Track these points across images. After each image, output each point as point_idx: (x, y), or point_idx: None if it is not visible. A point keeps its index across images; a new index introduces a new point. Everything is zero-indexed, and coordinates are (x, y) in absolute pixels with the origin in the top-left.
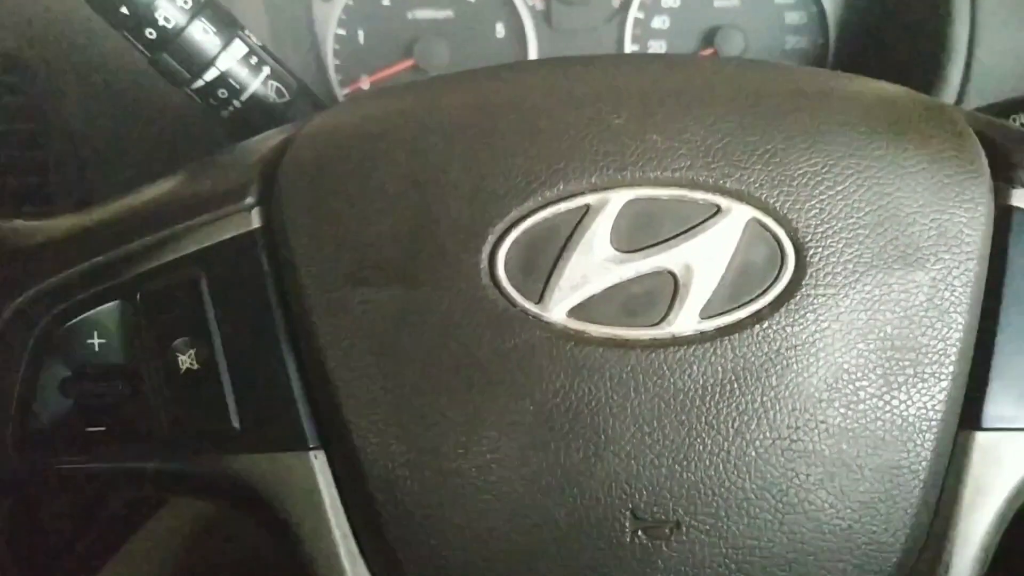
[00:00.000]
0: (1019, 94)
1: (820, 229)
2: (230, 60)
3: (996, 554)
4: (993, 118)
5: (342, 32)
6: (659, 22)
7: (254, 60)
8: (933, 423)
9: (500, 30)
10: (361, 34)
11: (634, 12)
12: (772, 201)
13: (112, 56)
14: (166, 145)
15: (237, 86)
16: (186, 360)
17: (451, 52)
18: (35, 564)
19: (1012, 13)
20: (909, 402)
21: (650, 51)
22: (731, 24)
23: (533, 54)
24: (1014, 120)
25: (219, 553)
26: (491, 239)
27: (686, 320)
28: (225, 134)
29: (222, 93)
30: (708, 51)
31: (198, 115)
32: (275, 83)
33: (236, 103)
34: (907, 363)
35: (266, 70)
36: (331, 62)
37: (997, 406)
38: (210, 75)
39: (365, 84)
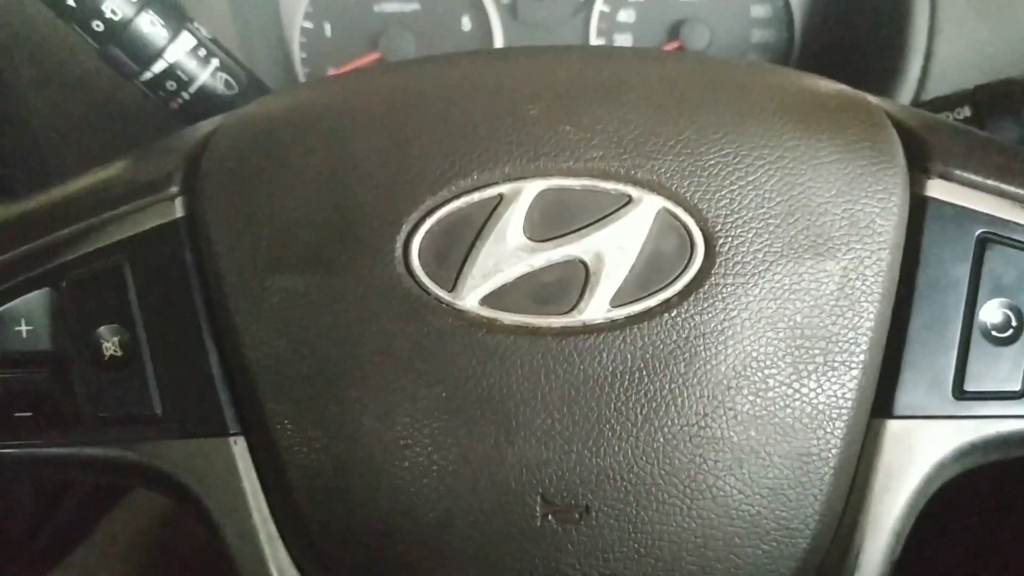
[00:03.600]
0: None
1: (730, 219)
2: (178, 52)
3: (907, 542)
4: (915, 109)
5: (308, 25)
6: (625, 15)
7: (203, 52)
8: (843, 411)
9: (466, 23)
10: (328, 27)
11: (600, 6)
12: (682, 191)
13: (71, 48)
14: (126, 136)
15: (185, 78)
16: (110, 347)
17: (417, 45)
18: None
19: (971, 6)
20: (819, 390)
21: (616, 44)
22: (696, 17)
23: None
24: (958, 113)
25: (184, 541)
26: (406, 228)
27: (597, 308)
28: (178, 125)
29: (171, 85)
30: (674, 44)
31: (154, 104)
32: (224, 75)
33: (185, 95)
34: (817, 352)
35: (215, 62)
36: (297, 55)
37: (909, 395)
38: (158, 67)
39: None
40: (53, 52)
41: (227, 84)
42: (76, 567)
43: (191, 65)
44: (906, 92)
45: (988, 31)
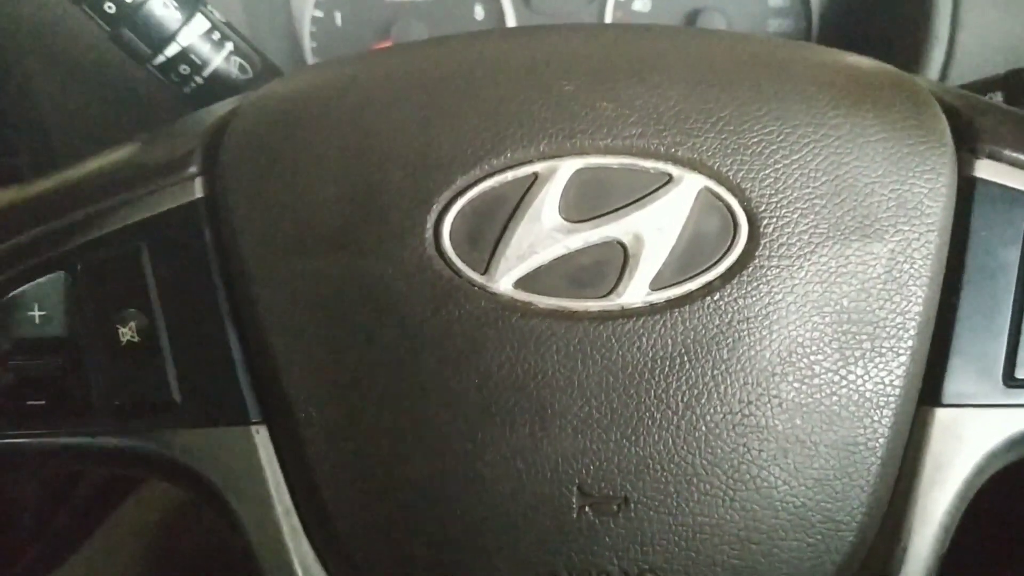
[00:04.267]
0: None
1: (774, 199)
2: (191, 35)
3: (956, 534)
4: (961, 90)
5: (319, 14)
6: (640, 4)
7: (216, 36)
8: (891, 399)
9: (479, 11)
10: (338, 16)
11: None
12: (725, 170)
13: (80, 31)
14: (135, 120)
15: (199, 62)
16: (127, 332)
17: (429, 33)
18: (6, 547)
19: None
20: (866, 377)
21: None
22: (713, 6)
23: None
24: (990, 98)
25: (193, 535)
26: (436, 208)
27: (635, 292)
28: (189, 111)
29: (184, 69)
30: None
31: (166, 90)
32: (238, 59)
33: (198, 79)
34: (864, 337)
35: (229, 46)
36: (308, 44)
37: (957, 382)
38: (171, 51)
39: None
40: (61, 37)
41: (241, 68)
42: (84, 562)
43: (205, 49)
44: (929, 77)
45: (1011, 20)
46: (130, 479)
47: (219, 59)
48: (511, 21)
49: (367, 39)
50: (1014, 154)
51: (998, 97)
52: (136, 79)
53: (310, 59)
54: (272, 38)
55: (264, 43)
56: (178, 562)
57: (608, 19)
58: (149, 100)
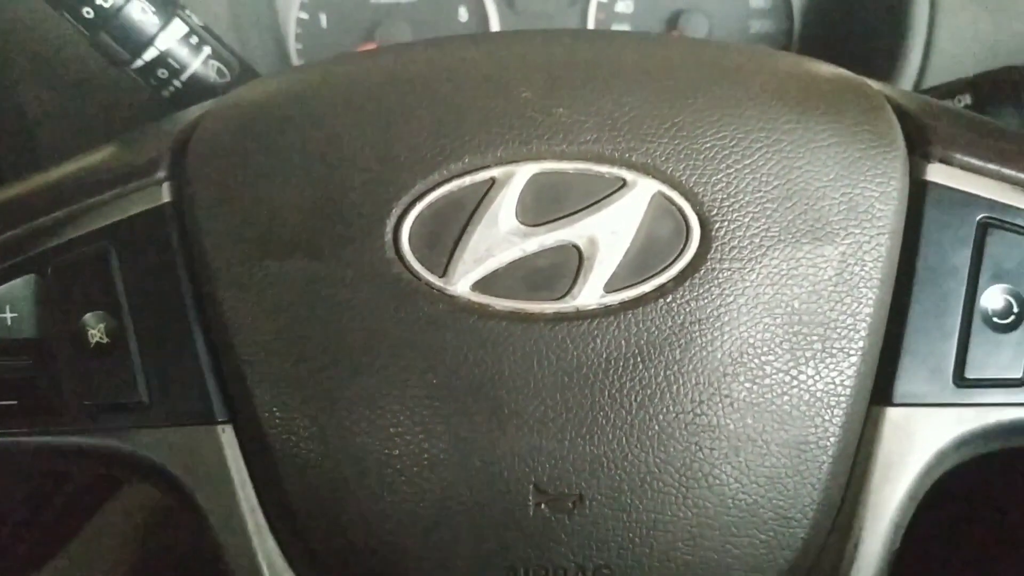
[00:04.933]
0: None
1: (726, 203)
2: (169, 40)
3: (908, 532)
4: (916, 94)
5: (304, 16)
6: (623, 5)
7: (194, 40)
8: (842, 398)
9: (463, 14)
10: (323, 18)
11: None
12: (678, 175)
13: (62, 33)
14: (119, 124)
15: (177, 66)
16: (96, 334)
17: (414, 36)
18: None
19: None
20: (817, 377)
21: None
22: (695, 8)
23: None
24: (958, 100)
25: (178, 533)
26: (396, 212)
27: (590, 294)
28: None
29: (162, 73)
30: (673, 32)
31: (149, 94)
32: (216, 63)
33: (176, 83)
34: (815, 338)
35: (207, 50)
36: (293, 46)
37: (908, 382)
38: (149, 55)
39: None
40: (45, 41)
41: (219, 72)
42: (68, 562)
43: (183, 53)
44: (906, 81)
45: (988, 20)
46: (115, 478)
47: (197, 63)
48: (494, 22)
49: (352, 41)
50: (965, 158)
51: (967, 99)
52: (121, 83)
53: (295, 61)
54: (257, 40)
55: (249, 45)
56: (163, 560)
57: (591, 20)
58: (134, 104)
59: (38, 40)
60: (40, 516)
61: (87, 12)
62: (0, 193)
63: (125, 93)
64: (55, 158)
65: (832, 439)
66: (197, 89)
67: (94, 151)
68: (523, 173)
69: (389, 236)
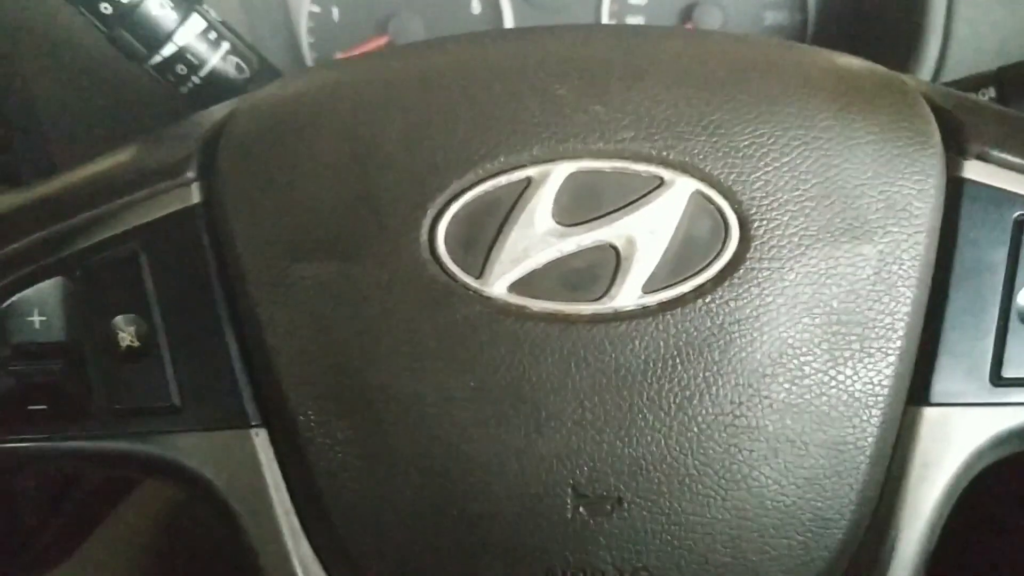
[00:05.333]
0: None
1: (765, 202)
2: (188, 35)
3: (944, 531)
4: (950, 89)
5: (316, 9)
6: None
7: (213, 35)
8: (880, 398)
9: (476, 6)
10: (335, 11)
11: None
12: (716, 173)
13: (77, 31)
14: (132, 121)
15: (196, 62)
16: (126, 337)
17: (426, 28)
18: (5, 548)
19: None
20: (855, 377)
21: None
22: (710, 0)
23: None
24: (982, 94)
25: (193, 532)
26: (431, 213)
27: (628, 295)
28: (186, 110)
29: (180, 69)
30: (687, 25)
31: (163, 91)
32: (235, 59)
33: (195, 79)
34: (853, 338)
35: (225, 45)
36: (305, 40)
37: (945, 381)
38: (168, 50)
39: None
40: (60, 37)
41: (238, 68)
42: (84, 561)
43: (201, 48)
44: (924, 73)
45: (1006, 12)
46: (129, 478)
47: (216, 58)
48: (508, 15)
49: (364, 34)
50: (1002, 155)
51: (990, 93)
52: (134, 79)
53: (307, 55)
54: (269, 34)
55: (261, 39)
56: (178, 560)
57: (604, 13)
58: (147, 100)
59: (52, 35)
60: (58, 513)
61: (105, 7)
62: (26, 194)
63: (141, 89)
64: (69, 154)
65: (870, 439)
66: (216, 85)
67: (120, 150)
68: (559, 172)
69: (425, 237)
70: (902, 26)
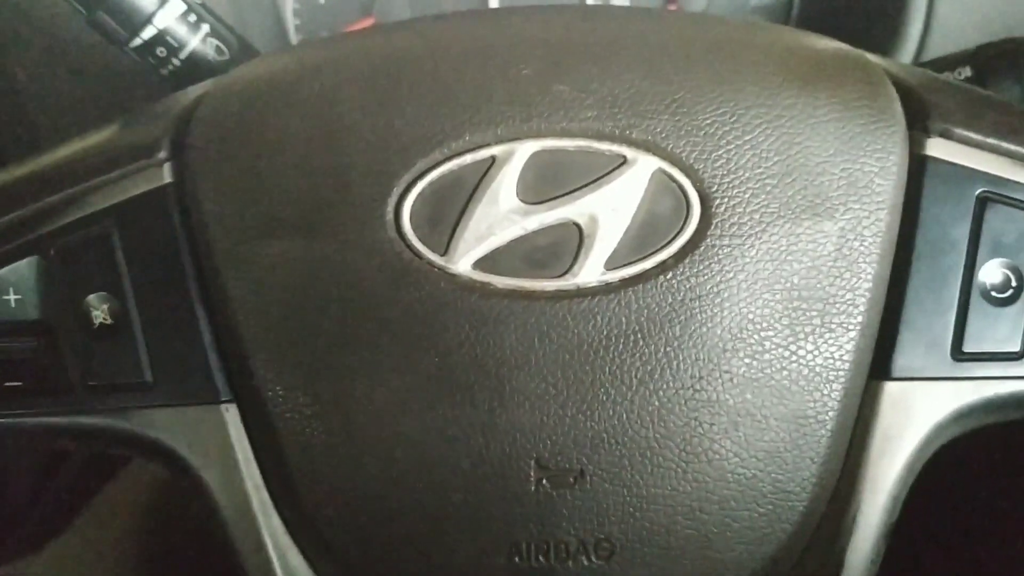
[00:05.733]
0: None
1: (726, 180)
2: (168, 18)
3: (906, 505)
4: (916, 68)
5: None
6: None
7: (192, 18)
8: (840, 373)
9: None
10: None
11: None
12: (678, 151)
13: (59, 12)
14: (117, 103)
15: (176, 44)
16: (99, 315)
17: (412, 9)
18: None
19: None
20: (816, 352)
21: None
22: None
23: None
24: (959, 73)
25: (182, 511)
26: (397, 191)
27: (591, 271)
28: (168, 93)
29: (160, 52)
30: (671, 6)
31: (149, 74)
32: (215, 41)
33: (175, 61)
34: (814, 313)
35: (205, 28)
36: (291, 22)
37: (907, 356)
38: (147, 33)
39: None
40: (42, 20)
41: (218, 50)
42: (74, 540)
43: (181, 31)
44: (906, 53)
45: None
46: (119, 455)
47: (196, 41)
48: None
49: (350, 16)
50: (965, 132)
51: (967, 71)
52: (117, 62)
53: (293, 37)
54: (255, 16)
55: (247, 21)
56: (168, 536)
57: None
58: (130, 83)
59: (35, 20)
60: (45, 493)
61: None
62: (3, 175)
63: (125, 73)
64: (54, 140)
65: (831, 413)
66: (196, 67)
67: (93, 133)
68: (524, 151)
69: (390, 215)
70: (886, 6)
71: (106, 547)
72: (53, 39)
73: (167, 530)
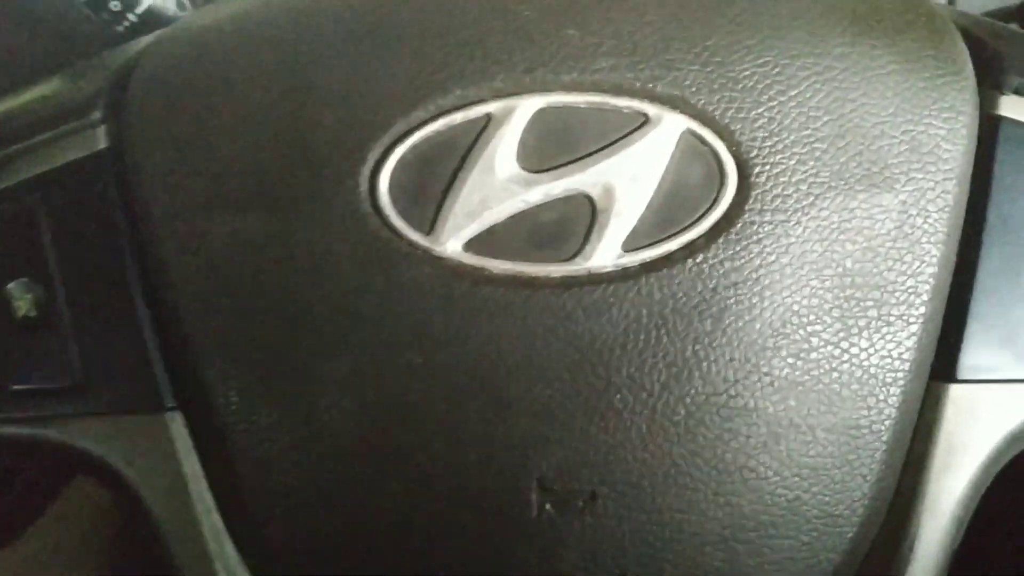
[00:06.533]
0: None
1: (768, 143)
2: None
3: (970, 529)
4: (983, 17)
5: None
6: None
7: None
8: (899, 374)
9: None
10: None
11: None
12: (711, 109)
13: None
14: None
15: None
16: (22, 305)
17: None
18: None
19: None
20: (871, 350)
21: None
22: None
23: None
24: None
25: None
26: (372, 157)
27: (605, 253)
28: None
29: (114, 5)
30: None
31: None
32: None
33: (131, 16)
34: (870, 304)
35: None
36: None
37: (975, 354)
38: None
39: None
40: None
41: (179, 4)
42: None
43: None
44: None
45: None
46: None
47: None
48: None
49: None
50: None
51: (1015, 28)
52: (77, 22)
53: None
54: None
55: None
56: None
57: None
58: (87, 43)
59: None
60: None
61: None
62: None
63: (85, 32)
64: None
65: (887, 422)
66: (155, 24)
67: (24, 90)
68: (525, 108)
69: (365, 186)
70: None
71: (64, 550)
72: None
73: (130, 531)
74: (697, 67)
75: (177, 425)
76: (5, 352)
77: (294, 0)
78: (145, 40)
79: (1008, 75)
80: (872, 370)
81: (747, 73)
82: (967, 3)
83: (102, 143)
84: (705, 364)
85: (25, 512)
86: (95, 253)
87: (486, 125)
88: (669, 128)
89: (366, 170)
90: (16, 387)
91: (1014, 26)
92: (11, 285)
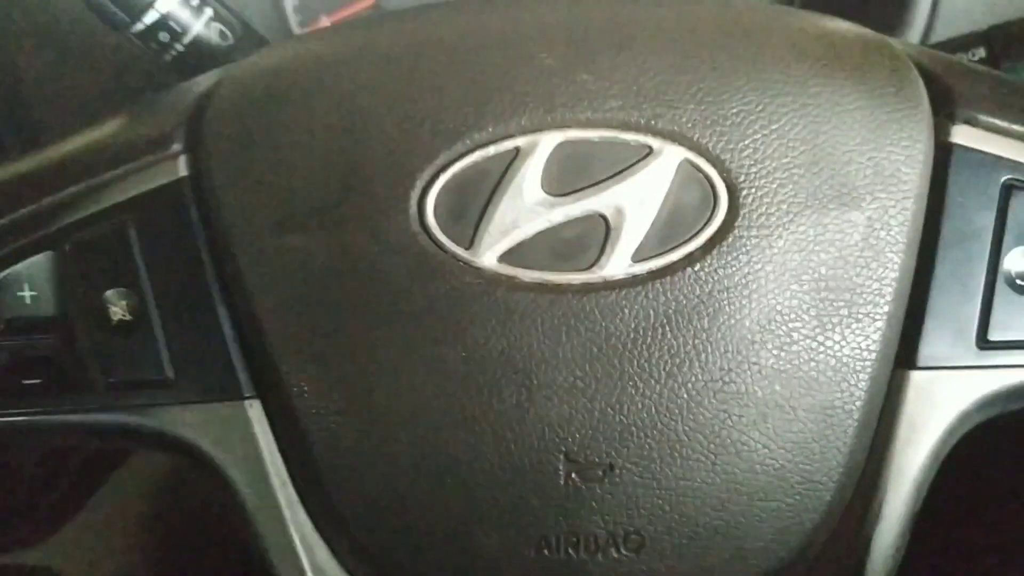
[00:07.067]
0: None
1: (754, 169)
2: (170, 2)
3: (930, 494)
4: (939, 53)
5: None
6: None
7: (195, 1)
8: (867, 363)
9: None
10: None
11: None
12: (705, 141)
13: (59, 2)
14: (117, 90)
15: (178, 29)
16: (117, 311)
17: None
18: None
19: None
20: (843, 342)
21: None
22: None
23: None
24: (972, 55)
25: (192, 495)
26: (420, 184)
27: (618, 264)
28: (170, 79)
29: (163, 37)
30: None
31: (148, 61)
32: (218, 25)
33: (178, 47)
34: (841, 303)
35: (208, 11)
36: (290, 3)
37: (932, 345)
38: (149, 18)
39: (325, 24)
40: (42, 9)
41: (221, 35)
42: (81, 530)
43: (184, 15)
44: (914, 33)
45: None
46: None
47: (199, 25)
48: None
49: None
50: (990, 119)
51: (980, 52)
52: (117, 48)
53: (291, 17)
54: None
55: (244, 2)
56: (174, 526)
57: None
58: (132, 70)
59: (35, 6)
60: (56, 478)
61: None
62: (12, 168)
63: (126, 60)
64: (54, 128)
65: (858, 403)
66: (199, 52)
67: (102, 123)
68: (548, 142)
69: (414, 208)
70: None
71: (115, 531)
72: (54, 25)
73: (190, 522)
74: (693, 106)
75: (256, 412)
76: (105, 351)
77: (344, 51)
78: (211, 77)
79: (959, 107)
80: (844, 359)
81: (735, 111)
82: (944, 26)
83: (183, 171)
84: (703, 356)
85: (82, 489)
86: (180, 265)
87: (515, 157)
88: (670, 158)
89: (415, 195)
90: (113, 380)
91: (981, 51)
92: (108, 293)
